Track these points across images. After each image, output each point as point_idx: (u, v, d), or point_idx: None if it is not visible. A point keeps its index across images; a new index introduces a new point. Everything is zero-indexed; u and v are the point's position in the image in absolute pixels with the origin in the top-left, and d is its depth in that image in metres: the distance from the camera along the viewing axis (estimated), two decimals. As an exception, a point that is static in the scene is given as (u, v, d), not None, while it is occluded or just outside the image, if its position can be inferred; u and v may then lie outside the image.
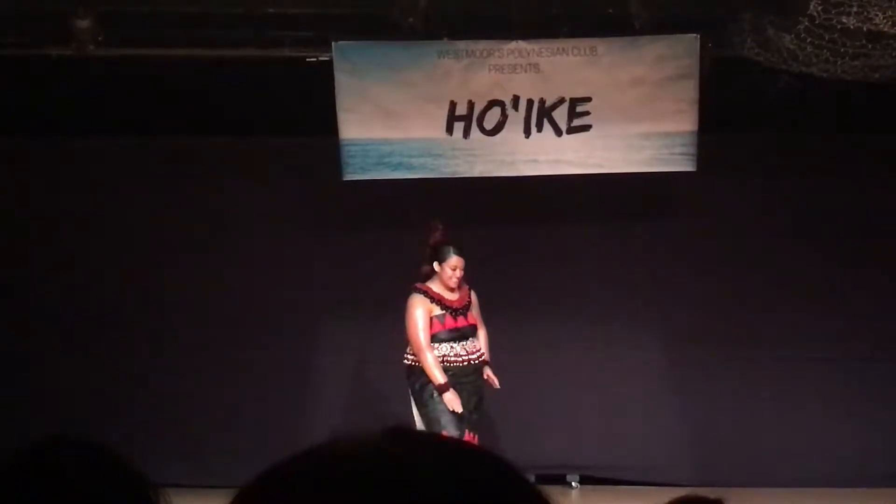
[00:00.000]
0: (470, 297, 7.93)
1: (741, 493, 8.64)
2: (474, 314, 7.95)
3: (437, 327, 7.76)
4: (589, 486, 9.20)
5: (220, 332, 9.29)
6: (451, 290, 7.80)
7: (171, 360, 9.27)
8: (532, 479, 0.97)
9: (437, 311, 7.76)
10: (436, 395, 7.64)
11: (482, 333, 7.99)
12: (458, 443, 0.97)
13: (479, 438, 7.72)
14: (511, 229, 9.31)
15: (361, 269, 9.18)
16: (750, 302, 9.27)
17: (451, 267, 7.74)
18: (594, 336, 9.31)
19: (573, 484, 9.19)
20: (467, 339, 7.82)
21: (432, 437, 1.02)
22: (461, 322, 7.82)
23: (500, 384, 7.92)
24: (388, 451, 0.89)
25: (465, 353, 7.80)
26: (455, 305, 7.81)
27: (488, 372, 7.90)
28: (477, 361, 7.84)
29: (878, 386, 9.19)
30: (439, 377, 7.62)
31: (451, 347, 7.77)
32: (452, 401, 7.59)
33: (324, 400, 9.28)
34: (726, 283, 9.27)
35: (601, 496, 9.16)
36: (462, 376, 7.75)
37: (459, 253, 7.78)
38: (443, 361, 7.71)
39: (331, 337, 9.39)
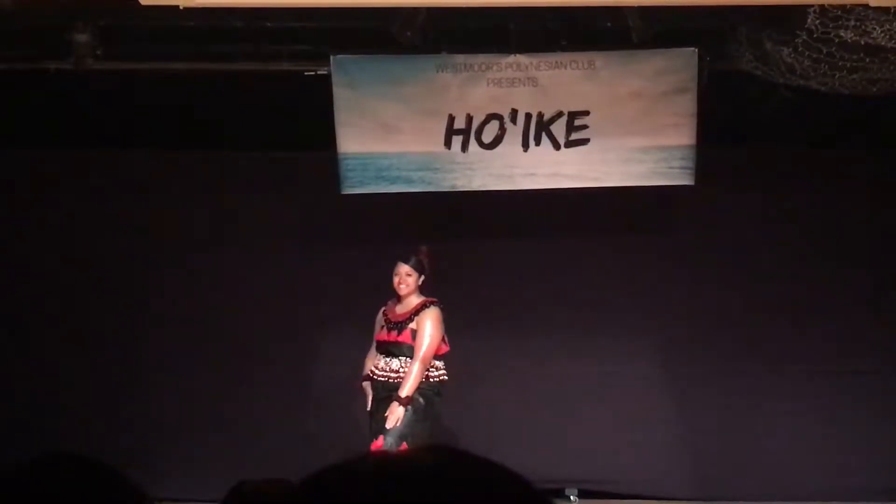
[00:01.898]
0: (413, 317, 7.69)
1: (741, 508, 8.64)
2: (419, 338, 7.61)
3: (375, 337, 7.86)
4: (587, 500, 9.17)
5: (218, 345, 9.28)
6: (399, 300, 7.78)
7: (167, 373, 9.25)
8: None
9: (380, 321, 7.84)
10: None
11: (413, 366, 7.56)
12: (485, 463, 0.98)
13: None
14: (509, 243, 9.31)
15: (360, 282, 9.16)
16: (749, 315, 9.25)
17: (394, 273, 7.77)
18: (592, 349, 9.30)
19: (571, 498, 9.16)
20: (389, 356, 7.69)
21: (469, 456, 1.05)
22: (391, 336, 7.71)
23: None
24: (420, 465, 0.91)
25: (386, 369, 7.69)
26: (391, 318, 7.79)
27: (392, 405, 7.49)
28: (392, 382, 7.61)
29: (880, 399, 9.17)
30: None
31: (378, 359, 7.77)
32: (365, 394, 7.75)
33: (322, 413, 9.26)
34: (725, 296, 9.26)
35: (600, 510, 9.15)
36: (376, 392, 7.72)
37: (403, 259, 7.76)
38: (372, 371, 7.75)
39: (330, 349, 9.37)
